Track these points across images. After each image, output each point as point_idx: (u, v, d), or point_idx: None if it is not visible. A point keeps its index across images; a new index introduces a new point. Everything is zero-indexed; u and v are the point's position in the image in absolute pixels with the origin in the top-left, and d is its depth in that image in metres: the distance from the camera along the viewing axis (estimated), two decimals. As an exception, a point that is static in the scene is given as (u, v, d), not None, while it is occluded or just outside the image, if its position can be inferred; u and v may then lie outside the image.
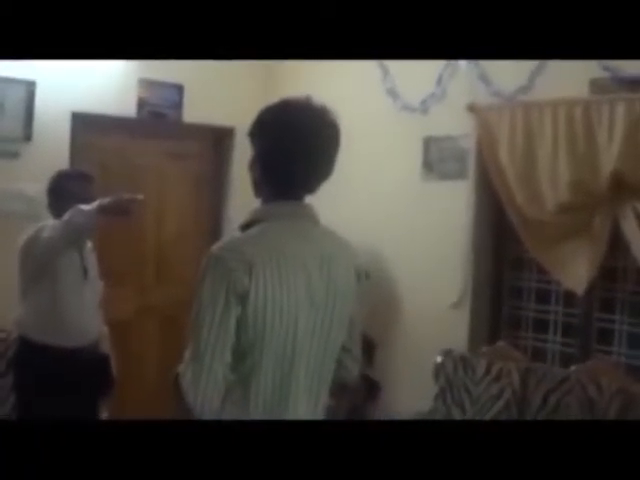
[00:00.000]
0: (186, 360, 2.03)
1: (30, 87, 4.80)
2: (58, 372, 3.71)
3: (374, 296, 4.95)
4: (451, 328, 4.58)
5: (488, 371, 4.21)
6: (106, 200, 3.49)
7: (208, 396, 2.00)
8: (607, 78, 3.83)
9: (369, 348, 4.76)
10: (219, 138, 5.80)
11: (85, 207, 3.50)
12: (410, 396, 4.75)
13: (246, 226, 2.15)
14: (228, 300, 1.99)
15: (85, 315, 3.85)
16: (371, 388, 4.75)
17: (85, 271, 3.89)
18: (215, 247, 2.08)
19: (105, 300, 4.08)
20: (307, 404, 2.17)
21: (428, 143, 4.77)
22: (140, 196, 3.52)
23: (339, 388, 2.42)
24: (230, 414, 2.07)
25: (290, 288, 2.06)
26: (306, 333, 2.10)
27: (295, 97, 2.18)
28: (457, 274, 4.57)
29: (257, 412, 2.08)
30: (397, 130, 4.95)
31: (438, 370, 4.42)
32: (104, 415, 4.27)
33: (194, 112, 5.51)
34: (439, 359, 4.43)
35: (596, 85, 3.88)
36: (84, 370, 3.83)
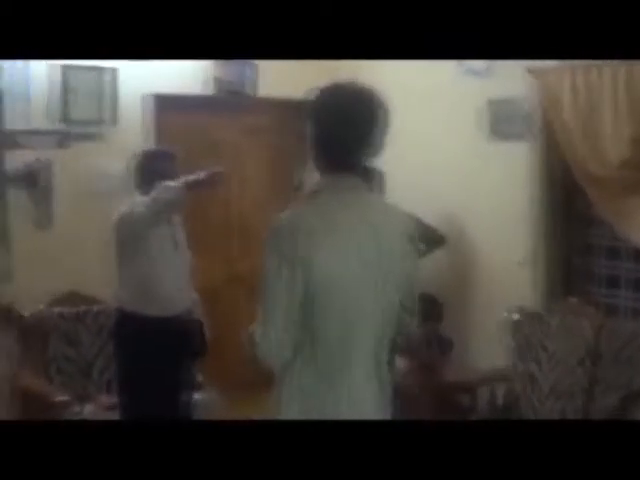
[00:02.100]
0: (258, 321, 2.28)
1: (113, 73, 5.08)
2: (155, 340, 3.95)
3: (448, 256, 5.14)
4: (523, 285, 4.71)
5: (562, 326, 4.31)
6: (191, 177, 3.75)
7: (276, 352, 2.27)
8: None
9: (436, 306, 4.96)
10: (293, 111, 5.96)
11: (172, 183, 3.74)
12: (484, 353, 4.94)
13: (306, 197, 2.39)
14: (290, 266, 2.22)
15: (178, 285, 4.07)
16: (442, 345, 4.93)
17: (176, 243, 4.10)
18: (274, 219, 2.31)
19: (196, 270, 4.33)
20: (370, 357, 2.38)
21: (493, 105, 4.90)
22: (220, 168, 3.76)
23: (404, 343, 2.62)
24: (300, 368, 2.32)
25: (345, 254, 2.26)
26: (363, 293, 2.30)
27: (344, 80, 2.38)
28: (528, 232, 4.70)
29: (324, 366, 2.31)
30: (463, 93, 5.07)
31: (515, 327, 4.53)
32: (199, 377, 4.56)
33: (268, 88, 5.72)
34: (515, 316, 4.55)
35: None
36: (179, 336, 4.06)
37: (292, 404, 2.37)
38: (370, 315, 2.35)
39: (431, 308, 4.88)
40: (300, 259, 2.22)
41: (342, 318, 2.30)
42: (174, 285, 4.06)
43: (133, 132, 5.16)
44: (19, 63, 4.72)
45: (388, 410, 2.49)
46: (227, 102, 5.72)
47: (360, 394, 2.38)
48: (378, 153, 2.40)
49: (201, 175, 3.78)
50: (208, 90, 5.59)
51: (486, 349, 4.94)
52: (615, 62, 3.98)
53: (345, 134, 2.31)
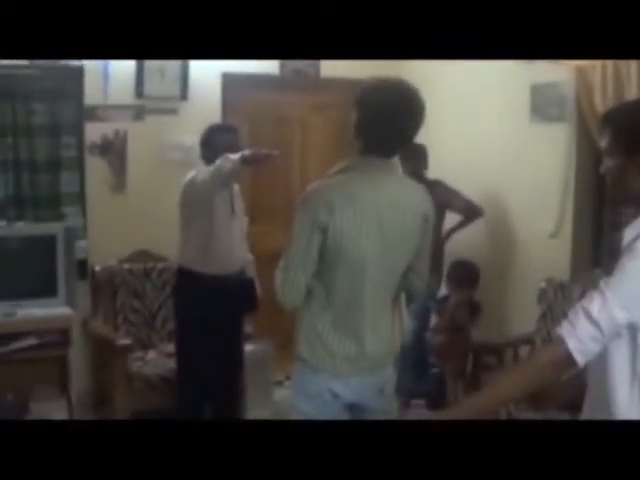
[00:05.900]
0: (279, 267, 2.74)
1: (185, 53, 5.50)
2: (211, 295, 4.33)
3: (486, 228, 5.48)
4: (554, 257, 5.03)
5: (583, 295, 4.56)
6: (248, 152, 4.03)
7: (292, 294, 2.73)
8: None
9: (473, 273, 5.31)
10: (354, 90, 6.29)
11: (232, 156, 4.05)
12: (513, 318, 5.31)
13: (338, 172, 2.78)
14: (312, 230, 2.66)
15: (233, 246, 4.43)
16: (473, 308, 5.28)
17: (234, 209, 4.46)
18: (307, 189, 2.74)
19: (256, 234, 4.72)
20: (379, 306, 2.81)
21: (534, 89, 5.17)
22: (275, 152, 4.09)
23: (409, 297, 3.02)
24: (315, 313, 2.77)
25: (362, 223, 2.67)
26: (373, 256, 2.71)
27: (391, 77, 2.76)
28: (559, 208, 4.99)
29: (336, 311, 2.75)
30: (507, 77, 5.34)
31: (541, 295, 4.84)
32: (252, 330, 4.99)
33: (330, 67, 6.00)
34: (542, 285, 4.86)
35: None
36: (233, 292, 4.44)
37: (308, 344, 2.81)
38: (378, 273, 2.75)
39: (468, 274, 5.25)
40: (318, 223, 2.64)
41: (353, 274, 2.71)
42: (230, 246, 4.41)
43: (202, 107, 5.53)
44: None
45: (395, 352, 2.93)
46: (292, 81, 6.04)
47: (369, 335, 2.79)
48: (410, 143, 2.79)
49: (257, 153, 4.00)
50: (274, 70, 5.90)
51: (515, 315, 5.29)
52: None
53: (385, 126, 2.68)
